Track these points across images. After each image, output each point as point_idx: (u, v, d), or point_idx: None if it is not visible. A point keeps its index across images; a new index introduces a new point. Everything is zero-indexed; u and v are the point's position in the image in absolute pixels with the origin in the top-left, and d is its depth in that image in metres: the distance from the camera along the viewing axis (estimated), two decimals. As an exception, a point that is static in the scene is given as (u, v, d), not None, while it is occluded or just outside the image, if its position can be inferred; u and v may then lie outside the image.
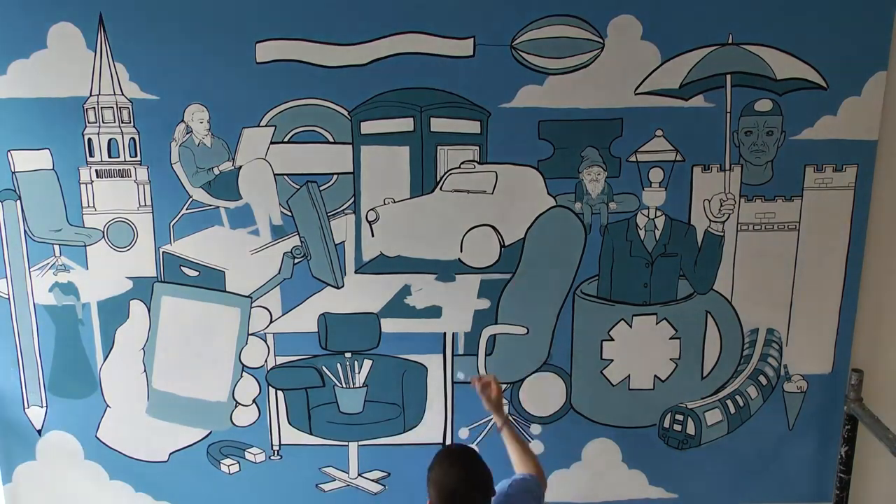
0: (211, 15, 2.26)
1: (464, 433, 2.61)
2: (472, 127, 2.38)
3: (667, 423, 2.63)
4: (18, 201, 2.40)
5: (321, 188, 2.41)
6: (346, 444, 2.62)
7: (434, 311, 2.51)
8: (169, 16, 2.26)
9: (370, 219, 2.44)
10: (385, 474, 2.65)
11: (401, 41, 2.30)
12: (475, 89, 2.34)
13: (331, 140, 2.38)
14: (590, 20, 2.30)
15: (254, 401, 2.57)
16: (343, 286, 2.48)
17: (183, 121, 2.34)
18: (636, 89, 2.36)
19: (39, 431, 2.58)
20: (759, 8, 2.30)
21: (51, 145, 2.35)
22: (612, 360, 2.57)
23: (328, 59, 2.31)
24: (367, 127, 2.36)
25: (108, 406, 2.55)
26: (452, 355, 2.55)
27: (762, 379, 2.60)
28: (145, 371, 2.52)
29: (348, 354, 2.54)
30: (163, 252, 2.44)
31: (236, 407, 2.56)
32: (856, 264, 2.51)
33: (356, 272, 2.47)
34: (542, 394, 2.58)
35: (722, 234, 2.47)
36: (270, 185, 2.40)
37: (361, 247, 2.46)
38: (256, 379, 2.54)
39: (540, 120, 2.36)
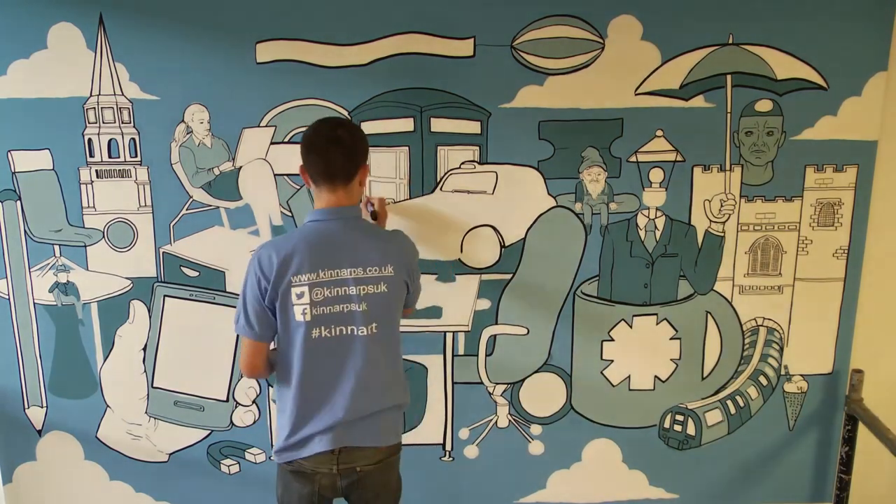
0: (211, 15, 2.26)
1: (464, 433, 2.61)
2: (472, 127, 2.38)
3: (667, 424, 2.63)
4: (18, 201, 2.40)
5: (321, 188, 2.41)
6: (346, 444, 2.62)
7: (434, 312, 2.51)
8: (169, 16, 2.26)
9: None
10: (385, 474, 2.65)
11: (401, 41, 2.30)
12: (475, 89, 2.34)
13: (331, 140, 2.37)
14: (590, 20, 2.30)
15: (254, 401, 2.57)
16: (343, 286, 2.48)
17: (183, 121, 2.34)
18: (636, 89, 2.36)
19: (39, 431, 2.58)
20: (759, 8, 2.31)
21: (51, 145, 2.35)
22: (613, 361, 2.57)
23: (328, 59, 2.31)
24: (367, 127, 2.35)
25: (108, 406, 2.55)
26: (452, 355, 2.55)
27: (762, 379, 2.60)
28: (145, 371, 2.52)
29: (348, 354, 2.53)
30: (163, 252, 2.44)
31: (236, 407, 2.56)
32: (856, 264, 2.51)
33: (356, 272, 2.47)
34: (543, 394, 2.58)
35: (722, 234, 2.47)
36: (270, 185, 2.40)
37: (361, 247, 2.46)
38: (256, 379, 2.54)
39: (540, 120, 2.36)
